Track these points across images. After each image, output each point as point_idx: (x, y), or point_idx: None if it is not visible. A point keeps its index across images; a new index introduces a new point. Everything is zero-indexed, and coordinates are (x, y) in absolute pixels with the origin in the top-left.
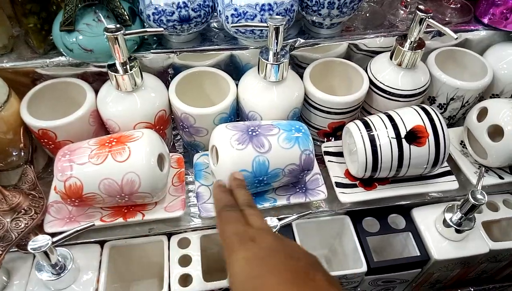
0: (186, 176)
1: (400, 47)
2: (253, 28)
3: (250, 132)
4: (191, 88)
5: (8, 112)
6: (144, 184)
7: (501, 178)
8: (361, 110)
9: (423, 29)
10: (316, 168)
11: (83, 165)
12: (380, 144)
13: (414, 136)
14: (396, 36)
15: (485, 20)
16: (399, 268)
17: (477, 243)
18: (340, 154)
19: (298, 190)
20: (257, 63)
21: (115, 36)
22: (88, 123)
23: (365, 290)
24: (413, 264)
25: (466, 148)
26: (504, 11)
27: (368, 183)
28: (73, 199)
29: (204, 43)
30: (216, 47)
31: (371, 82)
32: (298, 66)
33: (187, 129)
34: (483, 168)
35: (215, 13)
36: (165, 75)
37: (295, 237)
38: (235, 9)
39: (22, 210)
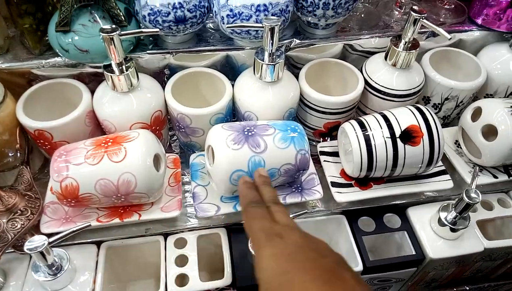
0: (183, 176)
1: (395, 48)
2: (249, 28)
3: (246, 133)
4: (187, 88)
5: (4, 113)
6: (140, 184)
7: (495, 177)
8: (357, 110)
9: (417, 30)
10: (312, 168)
11: (79, 165)
12: (375, 144)
13: (409, 136)
14: (391, 37)
15: (479, 21)
16: (394, 267)
17: (472, 242)
18: (335, 154)
19: (294, 189)
20: (253, 64)
21: (111, 36)
22: (84, 124)
23: None
24: (409, 263)
25: (460, 148)
26: (498, 11)
27: (363, 182)
28: (69, 200)
29: (200, 43)
30: (212, 47)
31: (366, 82)
32: (294, 67)
33: (183, 130)
34: (477, 167)
35: (211, 14)
36: (161, 75)
37: None
38: (231, 10)
39: (18, 211)
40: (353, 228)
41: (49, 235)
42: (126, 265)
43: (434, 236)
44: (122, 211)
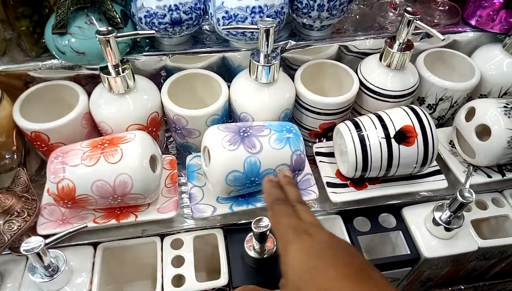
0: (179, 178)
1: (389, 49)
2: (244, 30)
3: (241, 133)
4: (183, 90)
5: (1, 115)
6: (136, 185)
7: (489, 176)
8: (352, 111)
9: (411, 31)
10: (307, 168)
11: (75, 166)
12: (370, 145)
13: (403, 136)
14: (385, 38)
15: (473, 22)
16: (390, 267)
17: (466, 241)
18: (331, 154)
19: None
20: (249, 65)
21: (107, 38)
22: (80, 125)
23: None
24: (404, 263)
25: (455, 148)
26: (491, 13)
27: (359, 182)
28: (66, 201)
29: (196, 45)
30: (208, 49)
31: (361, 83)
32: (290, 68)
33: (179, 131)
34: (471, 167)
35: (207, 16)
36: (158, 77)
37: None
38: (226, 12)
39: (15, 212)
40: (349, 228)
41: (45, 237)
42: (122, 266)
43: (429, 235)
44: (118, 212)
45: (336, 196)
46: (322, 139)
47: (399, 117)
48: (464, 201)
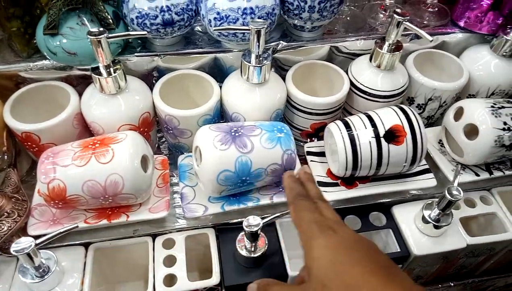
0: (171, 178)
1: (379, 50)
2: (236, 31)
3: (233, 133)
4: (175, 90)
5: None
6: (127, 185)
7: (477, 175)
8: (343, 111)
9: (401, 32)
10: (299, 168)
11: (66, 167)
12: (360, 144)
13: (393, 136)
14: (375, 39)
15: (461, 23)
16: None
17: (455, 238)
18: (322, 154)
19: (281, 189)
20: (240, 66)
21: (98, 39)
22: (72, 126)
23: None
24: (394, 260)
25: (444, 147)
26: (479, 14)
27: (349, 181)
28: (56, 201)
29: (188, 46)
30: (200, 50)
31: (351, 83)
32: (281, 69)
33: (171, 131)
34: (459, 165)
35: (199, 17)
36: (150, 78)
37: (279, 236)
38: (218, 13)
39: (5, 213)
40: None
41: (36, 237)
42: (114, 266)
43: (419, 233)
44: (110, 212)
45: (327, 195)
46: (313, 139)
47: (388, 117)
48: (453, 199)
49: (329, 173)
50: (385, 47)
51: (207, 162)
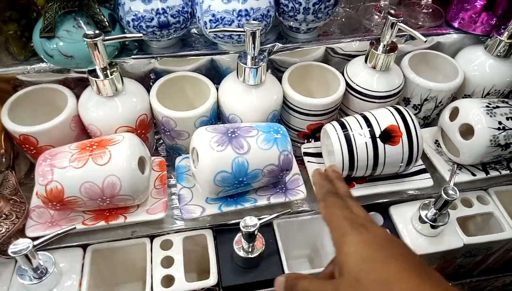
0: (169, 179)
1: (374, 51)
2: (231, 33)
3: (229, 134)
4: (172, 92)
5: None
6: (125, 186)
7: (474, 175)
8: (339, 112)
9: (395, 33)
10: (295, 168)
11: (64, 168)
12: (356, 144)
13: (388, 136)
14: (371, 40)
15: (456, 24)
16: None
17: (452, 238)
18: (319, 155)
19: (278, 190)
20: (236, 68)
21: (95, 42)
22: (69, 128)
23: None
24: None
25: (440, 147)
26: (473, 15)
27: (346, 182)
28: (54, 203)
29: (185, 48)
30: (196, 52)
31: (347, 84)
32: (278, 70)
33: (168, 133)
34: (455, 165)
35: (195, 19)
36: (147, 80)
37: (276, 237)
38: (213, 15)
39: (3, 215)
40: None
41: (34, 239)
42: (112, 268)
43: (416, 233)
44: (107, 214)
45: None
46: (310, 140)
47: (384, 117)
48: (449, 199)
49: None
50: (380, 48)
51: (204, 163)
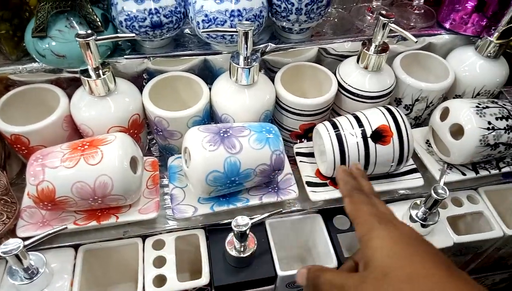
0: (162, 179)
1: (366, 51)
2: (224, 33)
3: (221, 134)
4: (165, 92)
5: None
6: (116, 186)
7: (464, 174)
8: (331, 112)
9: (386, 34)
10: (288, 168)
11: (55, 168)
12: (347, 144)
13: (379, 136)
14: (362, 41)
15: (447, 25)
16: None
17: (442, 237)
18: (311, 155)
19: (270, 189)
20: (229, 68)
21: (87, 42)
22: (61, 128)
23: None
24: None
25: (431, 147)
26: (464, 16)
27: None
28: (45, 203)
29: (178, 48)
30: (189, 52)
31: (339, 85)
32: (270, 71)
33: (161, 133)
34: (445, 165)
35: (187, 19)
36: (140, 80)
37: (268, 236)
38: (206, 15)
39: None
40: (328, 226)
41: (25, 239)
42: (104, 268)
43: None
44: (99, 214)
45: (316, 195)
46: (302, 140)
47: (375, 117)
48: (438, 198)
49: (318, 173)
50: (372, 48)
51: (196, 162)
